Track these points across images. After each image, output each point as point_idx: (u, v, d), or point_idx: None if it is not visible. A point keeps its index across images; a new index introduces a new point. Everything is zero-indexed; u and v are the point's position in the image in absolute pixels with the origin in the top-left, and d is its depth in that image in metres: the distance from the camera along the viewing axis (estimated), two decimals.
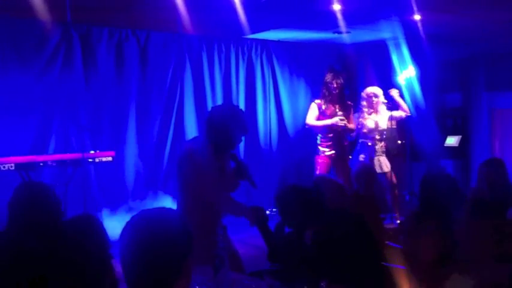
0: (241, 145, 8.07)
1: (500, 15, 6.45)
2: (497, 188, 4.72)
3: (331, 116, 6.84)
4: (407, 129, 7.81)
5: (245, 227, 3.79)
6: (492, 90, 9.22)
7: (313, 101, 7.04)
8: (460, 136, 9.09)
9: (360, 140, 7.14)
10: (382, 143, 7.08)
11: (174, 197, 7.11)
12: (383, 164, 7.07)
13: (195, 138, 4.09)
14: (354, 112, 7.14)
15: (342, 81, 6.79)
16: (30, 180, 2.98)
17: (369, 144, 7.07)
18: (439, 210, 3.11)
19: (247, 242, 5.14)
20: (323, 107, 6.85)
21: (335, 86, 6.75)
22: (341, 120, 6.76)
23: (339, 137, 6.90)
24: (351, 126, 6.97)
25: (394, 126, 7.23)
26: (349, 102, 7.08)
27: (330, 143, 6.86)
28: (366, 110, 7.10)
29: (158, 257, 1.72)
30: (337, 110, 6.84)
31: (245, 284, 2.84)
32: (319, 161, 6.90)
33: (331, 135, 6.86)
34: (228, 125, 3.65)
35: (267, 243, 3.45)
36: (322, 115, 6.87)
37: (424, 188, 3.53)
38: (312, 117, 6.90)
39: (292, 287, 2.68)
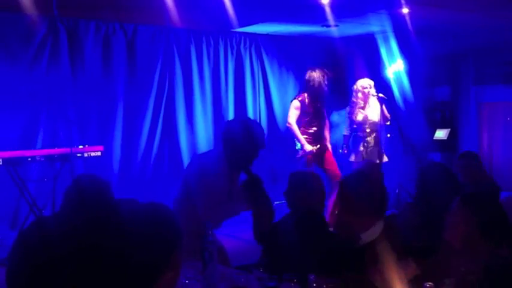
0: None
1: (488, 10, 6.47)
2: (479, 181, 4.72)
3: (313, 114, 6.79)
4: (396, 123, 7.83)
5: (233, 221, 3.79)
6: (480, 84, 9.28)
7: (295, 99, 6.93)
8: (449, 129, 9.14)
9: (353, 134, 7.12)
10: (374, 134, 7.04)
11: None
12: (372, 156, 7.08)
13: (209, 151, 3.99)
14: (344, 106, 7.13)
15: (323, 77, 6.73)
16: (91, 173, 3.01)
17: (360, 135, 7.07)
18: (434, 202, 3.13)
19: (235, 236, 5.14)
20: (306, 103, 6.80)
21: (316, 82, 6.70)
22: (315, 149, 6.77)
23: (320, 132, 6.89)
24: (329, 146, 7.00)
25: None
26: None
27: (311, 139, 6.83)
28: (359, 103, 7.06)
29: (143, 249, 1.73)
30: (319, 105, 6.82)
31: (234, 278, 2.84)
32: (302, 158, 6.86)
33: (313, 131, 6.83)
34: (247, 142, 3.55)
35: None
36: (304, 113, 6.80)
37: (421, 179, 3.53)
38: (294, 117, 6.80)
39: (280, 280, 2.68)
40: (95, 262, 2.60)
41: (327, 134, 7.04)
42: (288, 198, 3.44)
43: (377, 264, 2.64)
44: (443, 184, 3.32)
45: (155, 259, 1.74)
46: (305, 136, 6.79)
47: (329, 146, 6.99)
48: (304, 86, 6.92)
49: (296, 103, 6.82)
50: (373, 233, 2.78)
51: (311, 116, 6.80)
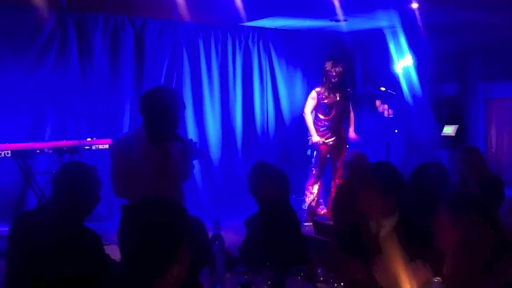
0: (238, 133, 8.07)
1: (496, 6, 6.44)
2: (481, 175, 4.65)
3: (329, 105, 6.81)
4: (403, 118, 7.82)
5: (240, 214, 3.79)
6: (488, 80, 9.23)
7: (313, 89, 7.01)
8: (457, 125, 9.10)
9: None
10: None
11: None
12: None
13: (124, 135, 4.00)
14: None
15: (341, 69, 6.74)
16: (77, 160, 3.05)
17: None
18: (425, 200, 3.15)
19: (242, 230, 5.13)
20: (323, 95, 6.83)
21: (334, 74, 6.72)
22: (323, 142, 6.79)
23: (337, 125, 6.89)
24: (351, 134, 7.02)
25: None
26: (349, 90, 7.07)
27: (327, 131, 6.85)
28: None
29: (148, 243, 1.74)
30: (337, 99, 6.83)
31: (240, 273, 2.84)
32: (315, 147, 6.89)
33: (329, 123, 6.84)
34: (168, 105, 3.55)
35: None
36: (321, 104, 6.84)
37: (415, 177, 3.54)
38: (310, 107, 6.89)
39: (287, 275, 2.69)
40: (90, 249, 2.64)
41: (350, 124, 7.07)
42: (252, 187, 3.45)
43: (383, 258, 2.64)
44: (437, 182, 3.34)
45: (159, 253, 1.75)
46: (319, 128, 6.84)
47: (352, 134, 7.03)
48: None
49: (312, 94, 6.93)
50: (391, 223, 2.81)
51: (327, 108, 6.83)
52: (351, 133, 7.05)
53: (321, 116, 6.86)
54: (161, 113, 3.55)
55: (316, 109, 6.88)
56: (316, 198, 6.97)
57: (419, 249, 2.56)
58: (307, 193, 6.92)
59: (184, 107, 3.74)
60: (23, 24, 6.37)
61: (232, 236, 3.90)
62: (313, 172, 6.91)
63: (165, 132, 3.63)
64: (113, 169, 3.60)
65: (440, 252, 2.35)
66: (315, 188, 6.92)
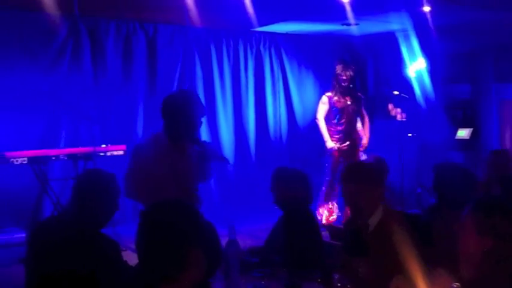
0: (252, 138, 8.07)
1: (509, 6, 6.40)
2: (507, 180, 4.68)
3: (341, 109, 6.81)
4: (417, 122, 7.78)
5: (254, 219, 3.80)
6: (501, 81, 9.17)
7: (324, 94, 7.01)
8: (471, 129, 9.03)
9: None
10: None
11: None
12: None
13: (144, 140, 4.04)
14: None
15: (352, 73, 6.74)
16: (96, 168, 3.10)
17: None
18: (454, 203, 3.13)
19: (256, 235, 5.14)
20: (334, 99, 6.82)
21: (345, 78, 6.72)
22: (338, 148, 6.78)
23: (350, 129, 6.87)
24: (365, 141, 6.98)
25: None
26: (360, 94, 7.05)
27: (340, 135, 6.84)
28: None
29: (158, 246, 1.75)
30: (348, 102, 6.81)
31: (255, 277, 2.84)
32: (328, 153, 6.88)
33: (341, 127, 6.83)
34: (184, 109, 3.59)
35: None
36: (332, 108, 6.84)
37: (439, 180, 3.53)
38: (322, 113, 6.88)
39: (304, 280, 2.68)
40: (109, 256, 2.66)
41: (365, 131, 7.04)
42: (273, 194, 3.46)
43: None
44: (460, 183, 3.33)
45: (169, 256, 1.75)
46: (332, 132, 6.83)
47: (365, 142, 7.00)
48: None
49: (323, 98, 6.92)
50: (375, 218, 2.82)
51: (338, 112, 6.81)
52: (364, 141, 7.02)
53: (334, 121, 6.85)
54: (183, 116, 3.59)
55: (328, 114, 6.87)
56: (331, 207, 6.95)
57: (419, 248, 2.55)
58: (322, 207, 6.89)
59: (204, 111, 3.78)
60: (36, 30, 6.42)
61: (247, 241, 3.91)
62: (327, 178, 6.88)
63: (185, 136, 3.66)
64: (129, 172, 3.65)
65: (440, 253, 2.34)
66: (330, 204, 6.89)
